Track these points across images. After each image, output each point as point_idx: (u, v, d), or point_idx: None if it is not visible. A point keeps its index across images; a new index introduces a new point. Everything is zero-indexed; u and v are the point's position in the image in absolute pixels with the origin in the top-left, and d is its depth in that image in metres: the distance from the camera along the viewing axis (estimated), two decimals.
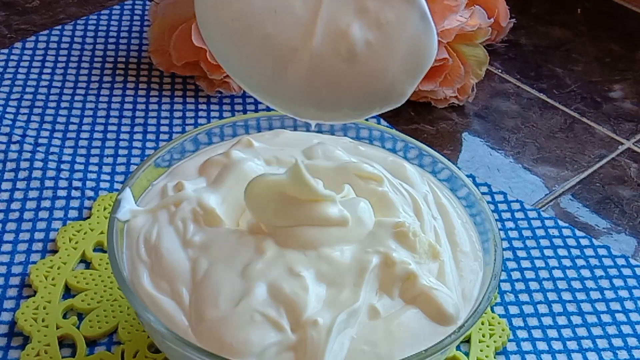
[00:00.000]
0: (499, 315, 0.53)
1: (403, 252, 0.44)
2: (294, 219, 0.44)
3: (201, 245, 0.44)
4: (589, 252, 0.57)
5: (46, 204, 0.58)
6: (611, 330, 0.53)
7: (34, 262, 0.54)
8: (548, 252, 0.57)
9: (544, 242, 0.58)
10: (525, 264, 0.56)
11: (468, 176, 0.52)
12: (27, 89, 0.67)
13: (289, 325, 0.41)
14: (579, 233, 0.59)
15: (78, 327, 0.50)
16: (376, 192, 0.48)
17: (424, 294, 0.43)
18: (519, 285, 0.55)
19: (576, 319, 0.53)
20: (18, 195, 0.58)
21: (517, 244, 0.58)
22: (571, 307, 0.54)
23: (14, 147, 0.61)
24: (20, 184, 0.59)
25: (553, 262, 0.56)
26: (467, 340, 0.51)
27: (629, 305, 0.54)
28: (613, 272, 0.56)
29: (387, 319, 0.42)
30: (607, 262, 0.57)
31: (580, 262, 0.57)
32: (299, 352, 0.41)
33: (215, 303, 0.42)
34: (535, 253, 0.57)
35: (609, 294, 0.55)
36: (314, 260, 0.43)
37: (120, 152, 0.62)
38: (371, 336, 0.41)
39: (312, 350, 0.40)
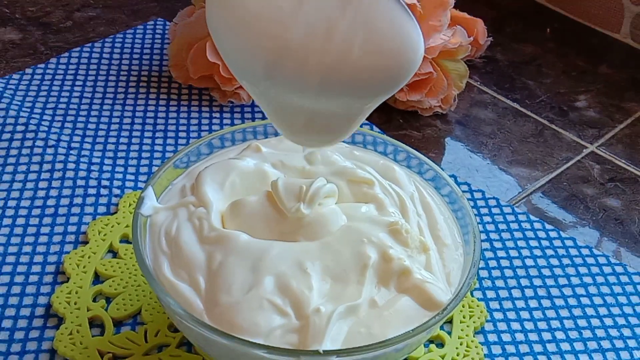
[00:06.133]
0: (477, 299, 0.53)
1: (398, 247, 0.44)
2: (276, 233, 0.44)
3: (216, 240, 0.44)
4: (557, 243, 0.57)
5: (78, 200, 0.57)
6: (577, 312, 0.52)
7: (67, 252, 0.53)
8: (521, 244, 0.57)
9: (518, 235, 0.58)
10: (501, 253, 0.56)
11: (450, 176, 0.52)
12: (61, 99, 0.67)
13: (294, 314, 0.41)
14: (548, 226, 0.58)
15: (106, 310, 0.50)
16: (368, 193, 0.48)
17: (417, 287, 0.42)
18: (496, 273, 0.55)
19: (546, 302, 0.53)
20: (53, 193, 0.58)
21: (493, 236, 0.57)
22: (541, 292, 0.54)
23: (49, 150, 0.61)
24: (55, 183, 0.58)
25: (525, 252, 0.56)
26: (450, 321, 0.51)
27: (592, 290, 0.54)
28: (578, 260, 0.56)
29: (383, 307, 0.42)
30: (573, 252, 0.57)
31: (549, 252, 0.56)
32: (302, 334, 0.40)
33: (228, 291, 0.41)
34: (509, 244, 0.57)
35: (575, 280, 0.55)
36: (321, 254, 0.43)
37: (144, 154, 0.62)
38: (367, 321, 0.41)
39: (313, 333, 0.40)
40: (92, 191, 0.58)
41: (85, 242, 0.54)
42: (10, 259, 0.53)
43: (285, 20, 0.39)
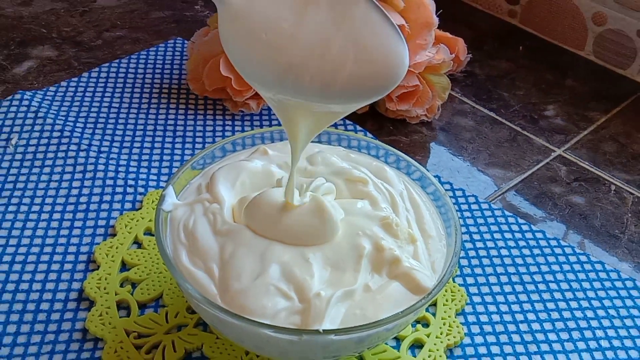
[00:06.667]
0: (458, 284, 0.53)
1: (389, 239, 0.44)
2: (277, 230, 0.44)
3: (227, 233, 0.44)
4: (528, 235, 0.57)
5: (107, 197, 0.57)
6: (546, 296, 0.52)
7: (98, 243, 0.53)
8: (497, 236, 0.57)
9: (494, 228, 0.57)
10: (479, 245, 0.56)
11: (435, 176, 0.52)
12: (92, 109, 0.67)
13: (297, 298, 0.41)
14: (520, 221, 0.58)
15: (132, 294, 0.50)
16: (362, 191, 0.48)
17: (406, 274, 0.43)
18: (474, 262, 0.55)
19: (518, 287, 0.53)
20: (85, 191, 0.57)
21: (473, 229, 0.57)
22: (515, 278, 0.53)
23: (82, 153, 0.61)
24: (87, 182, 0.58)
25: (501, 244, 0.56)
26: (434, 304, 0.51)
27: (559, 277, 0.54)
28: (547, 251, 0.56)
29: (376, 291, 0.42)
30: (543, 243, 0.57)
31: (522, 243, 0.56)
32: (304, 316, 0.40)
33: (239, 277, 0.41)
34: (487, 236, 0.57)
35: (544, 268, 0.54)
36: (322, 245, 0.43)
37: (165, 157, 0.62)
38: (362, 304, 0.41)
39: (314, 314, 0.40)
40: (119, 189, 0.58)
41: (114, 235, 0.54)
42: (48, 249, 0.53)
43: (287, 38, 0.39)
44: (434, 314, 0.50)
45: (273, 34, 0.39)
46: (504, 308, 0.51)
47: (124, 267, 0.52)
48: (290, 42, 0.39)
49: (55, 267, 0.51)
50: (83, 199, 0.57)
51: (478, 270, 0.54)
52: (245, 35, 0.40)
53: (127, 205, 0.57)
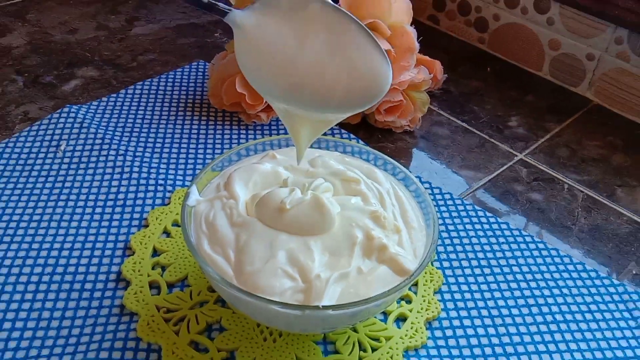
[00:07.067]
0: (436, 267, 0.52)
1: (378, 229, 0.44)
2: (282, 223, 0.44)
3: (242, 224, 0.44)
4: (495, 227, 0.57)
5: (141, 194, 0.57)
6: (510, 277, 0.52)
7: (133, 233, 0.53)
8: (468, 227, 0.57)
9: (466, 220, 0.57)
10: (454, 234, 0.56)
11: (416, 177, 0.52)
12: (129, 120, 0.67)
13: (300, 279, 0.41)
14: (488, 214, 0.58)
15: (162, 275, 0.50)
16: (355, 189, 0.48)
17: (392, 259, 0.42)
18: (450, 249, 0.54)
19: (486, 270, 0.53)
20: (122, 189, 0.57)
21: (448, 221, 0.57)
22: (483, 262, 0.53)
23: (119, 158, 0.61)
24: (124, 182, 0.58)
25: (472, 234, 0.56)
26: (416, 284, 0.51)
27: (521, 261, 0.54)
28: (511, 239, 0.56)
29: (367, 273, 0.42)
30: (507, 233, 0.56)
31: (489, 233, 0.56)
32: (306, 294, 0.40)
33: (252, 262, 0.41)
34: (460, 227, 0.57)
35: (508, 254, 0.54)
36: (322, 235, 0.43)
37: (189, 161, 0.62)
38: (355, 284, 0.41)
39: (315, 293, 0.40)
40: (151, 188, 0.58)
41: (146, 226, 0.54)
42: (91, 238, 0.53)
43: (291, 61, 0.39)
44: (415, 292, 0.50)
45: (279, 57, 0.39)
46: (474, 287, 0.51)
47: (155, 253, 0.52)
48: (294, 64, 0.39)
49: (97, 253, 0.51)
50: (121, 196, 0.57)
51: (452, 256, 0.54)
52: (257, 56, 0.40)
53: (158, 201, 0.57)
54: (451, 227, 0.57)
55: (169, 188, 0.58)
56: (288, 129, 0.44)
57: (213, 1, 0.39)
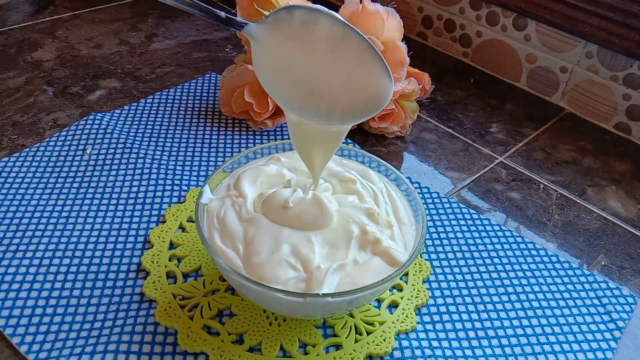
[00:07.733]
0: (425, 259, 0.52)
1: (372, 225, 0.44)
2: (286, 219, 0.43)
3: (250, 220, 0.44)
4: (478, 222, 0.57)
5: (159, 193, 0.57)
6: (491, 268, 0.52)
7: (152, 228, 0.53)
8: (454, 223, 0.57)
9: (452, 217, 0.57)
10: (440, 229, 0.56)
11: (407, 177, 0.52)
12: (148, 126, 0.66)
13: (302, 269, 0.41)
14: (472, 211, 0.58)
15: (178, 266, 0.50)
16: (352, 188, 0.48)
17: (385, 251, 0.42)
18: (437, 242, 0.54)
19: (470, 262, 0.53)
20: (142, 188, 0.57)
21: (435, 217, 0.57)
22: (467, 255, 0.53)
23: (140, 160, 0.61)
24: (144, 182, 0.58)
25: (457, 229, 0.56)
26: (406, 274, 0.51)
27: (501, 254, 0.54)
28: (492, 234, 0.56)
29: (362, 264, 0.42)
30: (489, 228, 0.56)
31: (472, 228, 0.56)
32: (308, 283, 0.40)
33: (258, 254, 0.41)
34: (446, 223, 0.57)
35: (489, 247, 0.54)
36: (322, 230, 0.43)
37: (202, 163, 0.62)
38: (352, 274, 0.41)
39: (316, 282, 0.40)
40: (168, 187, 0.58)
41: (164, 221, 0.54)
42: (114, 232, 0.53)
43: (300, 74, 0.39)
44: (406, 282, 0.50)
45: (291, 69, 0.39)
46: (459, 277, 0.51)
47: (172, 246, 0.52)
48: (305, 76, 0.38)
49: (119, 246, 0.51)
50: (140, 195, 0.57)
51: (440, 249, 0.54)
52: (271, 66, 0.40)
53: (174, 199, 0.57)
54: (438, 223, 0.57)
55: (184, 187, 0.58)
56: (303, 158, 0.44)
57: (230, 15, 0.39)
